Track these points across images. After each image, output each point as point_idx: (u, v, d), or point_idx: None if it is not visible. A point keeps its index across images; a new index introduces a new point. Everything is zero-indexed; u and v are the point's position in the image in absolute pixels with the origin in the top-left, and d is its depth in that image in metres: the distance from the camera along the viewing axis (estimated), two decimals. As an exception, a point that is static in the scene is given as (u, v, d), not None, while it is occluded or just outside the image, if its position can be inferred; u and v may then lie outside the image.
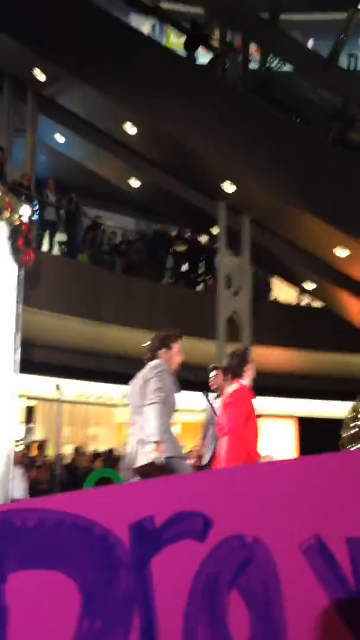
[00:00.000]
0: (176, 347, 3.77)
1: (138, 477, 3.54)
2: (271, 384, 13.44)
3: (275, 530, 1.34)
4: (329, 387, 13.75)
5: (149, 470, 3.44)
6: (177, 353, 3.76)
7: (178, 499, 1.34)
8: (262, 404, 14.18)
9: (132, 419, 3.76)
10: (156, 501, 1.33)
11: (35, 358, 10.22)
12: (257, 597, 1.30)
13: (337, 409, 12.81)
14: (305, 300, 14.33)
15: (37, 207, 10.68)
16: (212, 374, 5.36)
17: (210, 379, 5.38)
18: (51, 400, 10.68)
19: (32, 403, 11.73)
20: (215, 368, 5.37)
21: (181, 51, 12.81)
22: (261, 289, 13.63)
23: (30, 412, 11.84)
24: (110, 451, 10.30)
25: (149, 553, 1.27)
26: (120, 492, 1.45)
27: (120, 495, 1.38)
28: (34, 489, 7.62)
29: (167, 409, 3.59)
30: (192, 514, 1.32)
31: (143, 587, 1.25)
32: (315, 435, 12.64)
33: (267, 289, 13.92)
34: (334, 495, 1.38)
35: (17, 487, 7.52)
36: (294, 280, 13.44)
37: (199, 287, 13.00)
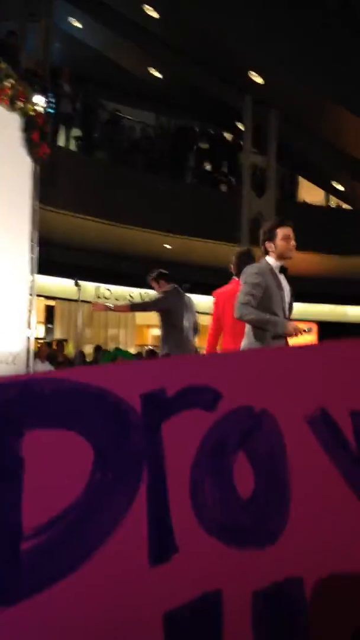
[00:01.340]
0: (280, 234, 3.66)
1: None
2: (295, 288, 13.22)
3: (283, 403, 1.44)
4: (351, 292, 13.47)
5: None
6: (281, 239, 3.64)
7: (190, 374, 1.43)
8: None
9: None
10: (168, 376, 1.42)
11: (53, 258, 10.07)
12: (262, 459, 1.40)
13: (357, 313, 12.60)
14: (334, 202, 13.78)
15: (52, 98, 10.12)
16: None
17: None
18: (70, 300, 10.64)
19: (51, 303, 11.73)
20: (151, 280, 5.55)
21: None
22: (288, 190, 13.11)
23: (49, 312, 11.86)
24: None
25: (160, 418, 1.37)
26: (133, 367, 1.51)
27: (134, 370, 1.46)
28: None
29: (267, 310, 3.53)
30: (202, 388, 1.40)
31: (153, 447, 1.35)
32: (335, 340, 12.55)
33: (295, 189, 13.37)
34: (339, 375, 1.49)
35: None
36: (323, 181, 12.86)
37: (223, 188, 12.51)
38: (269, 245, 3.66)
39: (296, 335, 3.60)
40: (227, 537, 1.35)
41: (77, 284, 5.75)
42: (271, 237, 3.66)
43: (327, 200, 13.88)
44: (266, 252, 3.69)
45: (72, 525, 1.28)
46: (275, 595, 1.38)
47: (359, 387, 1.48)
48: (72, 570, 1.27)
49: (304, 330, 3.68)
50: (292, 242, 3.69)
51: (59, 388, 1.33)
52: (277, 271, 3.64)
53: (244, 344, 3.64)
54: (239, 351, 1.61)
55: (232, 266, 4.63)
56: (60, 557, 1.28)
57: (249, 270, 3.63)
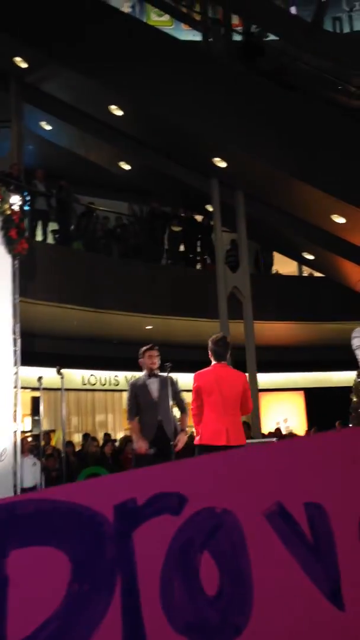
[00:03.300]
0: None
1: None
2: (277, 358, 13.38)
3: (242, 501, 1.57)
4: (333, 357, 13.65)
5: None
6: None
7: (157, 483, 1.58)
8: (268, 378, 14.14)
9: None
10: (138, 486, 1.56)
11: (37, 349, 10.20)
12: (226, 556, 1.51)
13: (342, 378, 12.77)
14: (307, 272, 14.20)
15: (27, 197, 10.57)
16: (156, 354, 5.62)
17: (155, 359, 5.62)
18: (55, 390, 10.67)
19: (36, 394, 11.73)
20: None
21: (162, 29, 12.59)
22: (262, 263, 13.52)
23: (35, 404, 11.84)
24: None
25: (131, 527, 1.49)
26: (106, 481, 1.67)
27: (106, 484, 1.61)
28: (46, 477, 7.67)
29: None
30: (169, 494, 1.55)
31: (125, 555, 1.47)
32: (322, 405, 12.62)
33: (268, 262, 13.79)
34: (292, 470, 1.63)
35: (27, 477, 7.55)
36: (294, 252, 13.31)
37: (198, 267, 12.89)
38: None
39: None
40: (195, 634, 1.45)
41: (59, 373, 5.83)
42: None
43: (300, 269, 14.31)
44: None
45: (53, 636, 1.38)
46: None
47: (310, 479, 1.62)
48: None
49: None
50: None
51: (40, 507, 1.46)
52: None
53: None
54: (201, 456, 1.82)
55: (209, 352, 4.96)
56: None
57: None
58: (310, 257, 12.76)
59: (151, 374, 5.61)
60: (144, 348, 5.67)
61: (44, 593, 1.40)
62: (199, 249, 12.94)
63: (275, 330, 12.74)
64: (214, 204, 11.53)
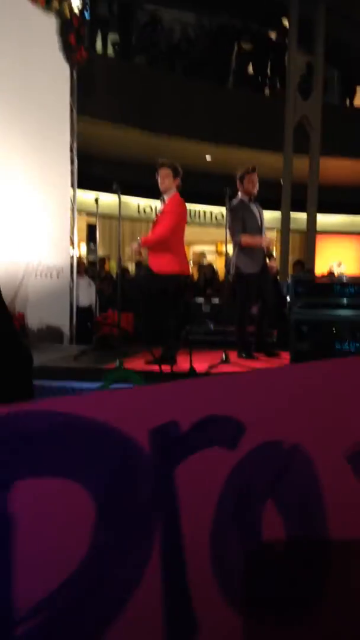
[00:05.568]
0: None
1: None
2: (338, 199, 12.75)
3: (317, 436, 1.20)
4: None
5: None
6: None
7: (205, 403, 1.18)
8: (327, 219, 13.62)
9: None
10: (181, 405, 1.17)
11: (93, 173, 9.90)
12: (295, 508, 1.18)
13: None
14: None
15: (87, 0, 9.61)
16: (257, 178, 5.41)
17: (257, 183, 5.43)
18: (110, 218, 10.55)
19: (92, 221, 11.65)
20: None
21: None
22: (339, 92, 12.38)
23: (91, 231, 11.81)
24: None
25: (173, 461, 1.15)
26: (139, 394, 1.24)
27: (140, 398, 1.20)
28: (100, 299, 7.87)
29: None
30: (221, 419, 1.18)
31: (165, 498, 1.13)
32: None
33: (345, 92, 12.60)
34: None
35: (83, 296, 7.77)
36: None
37: (266, 91, 11.89)
38: None
39: None
40: (255, 606, 1.15)
41: (117, 191, 5.41)
42: None
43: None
44: None
45: (75, 601, 1.07)
46: None
47: None
48: None
49: None
50: None
51: (52, 423, 1.09)
52: None
53: None
54: (264, 370, 1.26)
55: (177, 179, 4.84)
56: None
57: None
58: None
59: (252, 199, 5.32)
60: (244, 171, 5.28)
61: (62, 544, 1.07)
62: (269, 71, 11.82)
63: (341, 169, 11.98)
64: (291, 17, 10.27)
